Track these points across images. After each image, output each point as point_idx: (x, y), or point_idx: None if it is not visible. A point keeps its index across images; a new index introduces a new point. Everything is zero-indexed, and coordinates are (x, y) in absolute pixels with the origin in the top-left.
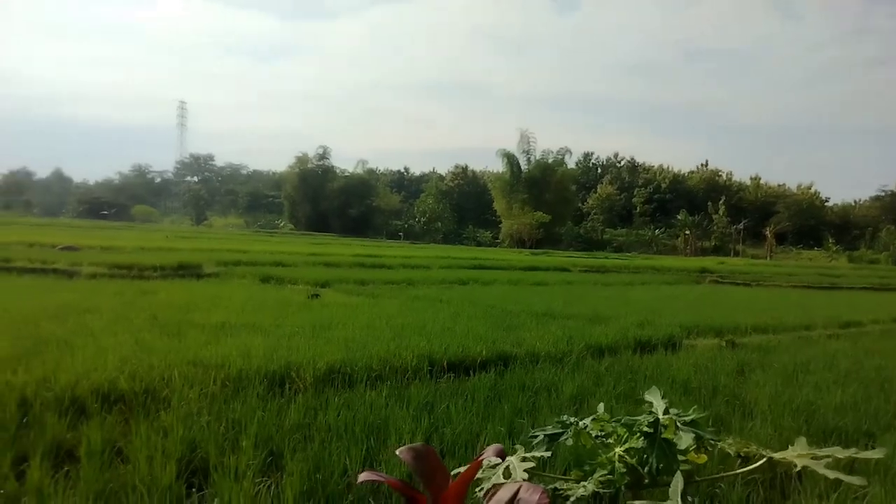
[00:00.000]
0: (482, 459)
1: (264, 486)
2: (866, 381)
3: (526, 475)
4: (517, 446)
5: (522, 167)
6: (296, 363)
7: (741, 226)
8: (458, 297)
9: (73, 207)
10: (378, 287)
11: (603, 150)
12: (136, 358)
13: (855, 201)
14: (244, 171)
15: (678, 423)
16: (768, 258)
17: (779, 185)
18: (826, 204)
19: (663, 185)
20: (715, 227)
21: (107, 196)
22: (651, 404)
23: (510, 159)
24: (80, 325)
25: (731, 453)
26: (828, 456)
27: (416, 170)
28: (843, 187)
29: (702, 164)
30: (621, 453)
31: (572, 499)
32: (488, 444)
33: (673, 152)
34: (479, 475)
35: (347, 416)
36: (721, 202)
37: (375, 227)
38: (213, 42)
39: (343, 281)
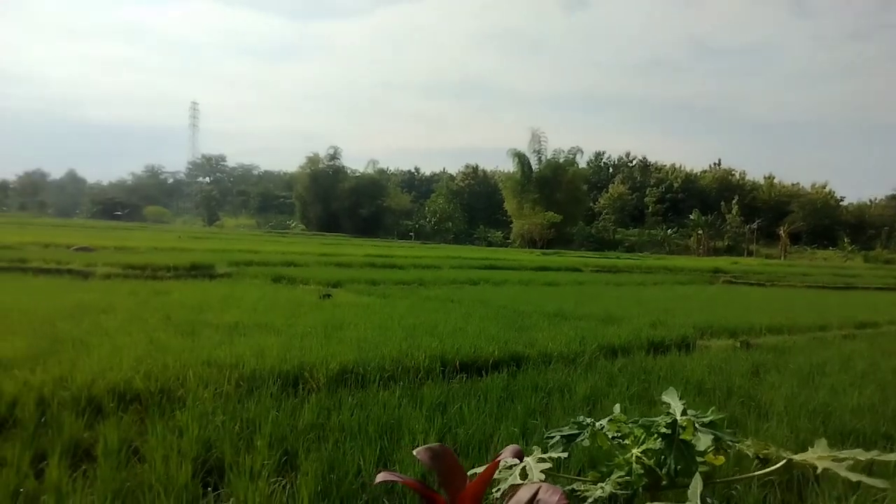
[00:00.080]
0: (500, 460)
1: (279, 485)
2: (883, 382)
3: (543, 476)
4: (534, 447)
5: (533, 167)
6: (309, 363)
7: (755, 225)
8: (470, 298)
9: (86, 208)
10: (389, 287)
11: (614, 150)
12: (151, 357)
13: (870, 200)
14: (255, 172)
15: (696, 425)
16: (782, 258)
17: (793, 185)
18: (841, 203)
19: (675, 185)
20: (728, 227)
21: (120, 197)
22: (668, 405)
23: (521, 159)
24: (95, 324)
25: (750, 455)
26: (849, 458)
27: (427, 170)
28: (859, 186)
29: (714, 164)
30: (639, 454)
31: (590, 500)
32: (502, 445)
33: (685, 151)
34: (495, 476)
35: (361, 416)
36: (734, 202)
37: (386, 227)
38: (226, 43)
39: (354, 281)
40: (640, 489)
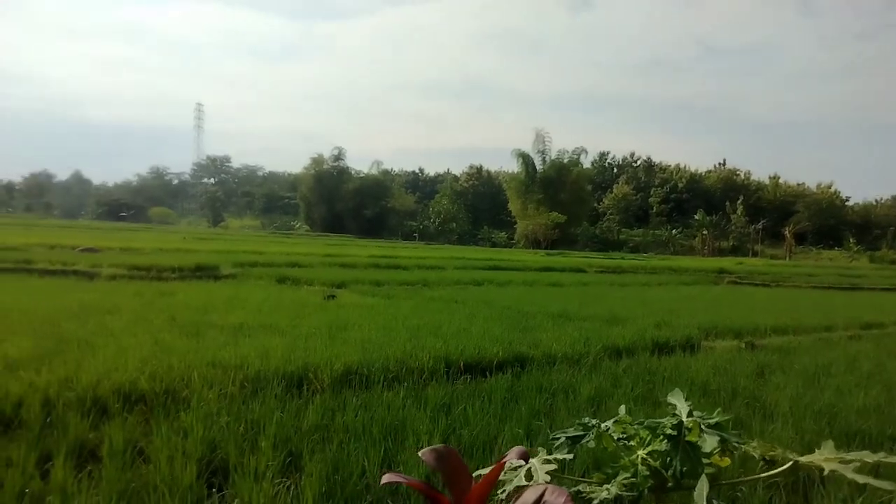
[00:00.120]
0: (505, 461)
1: (284, 486)
2: (889, 383)
3: (548, 477)
4: (539, 448)
5: (537, 167)
6: (313, 364)
7: (760, 226)
8: (474, 298)
9: (92, 209)
10: (393, 288)
11: (619, 150)
12: (156, 358)
13: (876, 200)
14: (260, 173)
15: (702, 426)
16: (787, 258)
17: (798, 185)
18: (846, 203)
19: (680, 185)
20: (733, 227)
21: (125, 198)
22: (674, 406)
23: (525, 159)
24: (100, 325)
25: (756, 456)
26: (856, 460)
27: (431, 170)
28: (864, 186)
29: (719, 164)
30: (644, 456)
31: (595, 502)
32: (506, 446)
33: (690, 151)
34: (500, 477)
35: (365, 417)
36: (739, 202)
37: (390, 227)
38: (228, 43)
39: (359, 282)
40: (646, 491)
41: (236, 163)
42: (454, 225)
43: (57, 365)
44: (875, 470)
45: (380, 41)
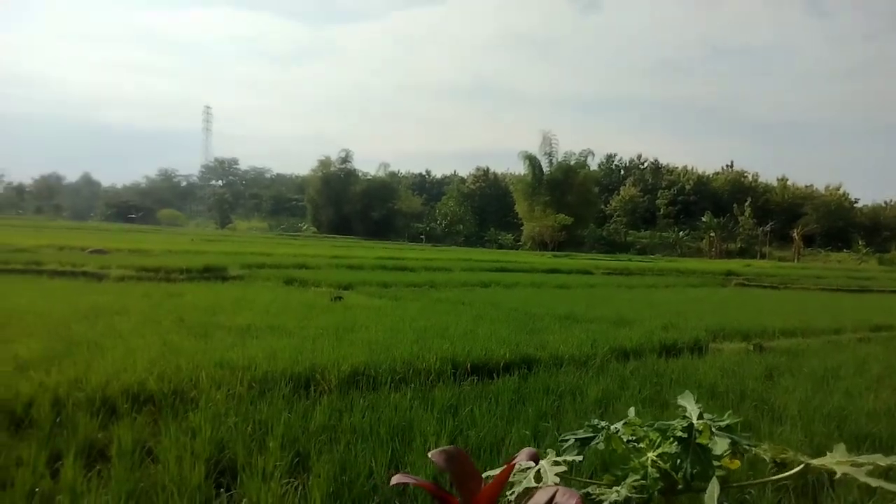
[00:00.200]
0: (515, 463)
1: (291, 486)
2: None
3: (557, 479)
4: (548, 450)
5: (544, 169)
6: (320, 365)
7: (768, 228)
8: (481, 300)
9: (101, 211)
10: (400, 289)
11: (626, 152)
12: (165, 359)
13: (885, 202)
14: (268, 175)
15: (713, 429)
16: (795, 260)
17: (806, 186)
18: (855, 205)
19: (687, 187)
20: (741, 229)
21: (134, 200)
22: (684, 409)
23: (532, 161)
24: (109, 326)
25: (767, 459)
26: (868, 463)
27: (438, 172)
28: (874, 188)
29: (727, 165)
30: (654, 458)
31: None
32: (513, 448)
33: (697, 153)
34: (509, 478)
35: (372, 418)
36: (747, 204)
37: (397, 229)
38: (239, 47)
39: (366, 283)
40: (656, 493)
41: (244, 165)
42: (461, 227)
43: (67, 365)
44: (885, 473)
45: (388, 44)
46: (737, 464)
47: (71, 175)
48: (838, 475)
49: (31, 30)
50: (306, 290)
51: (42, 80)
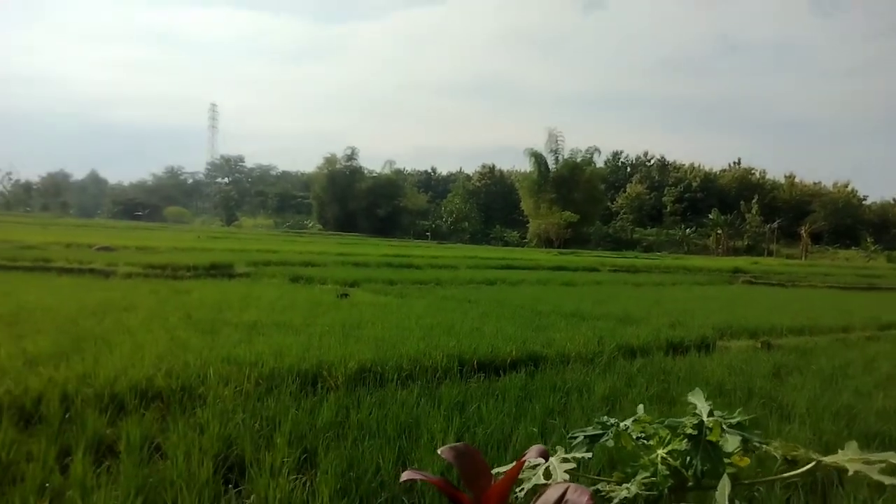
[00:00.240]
0: (525, 460)
1: (299, 482)
2: None
3: (567, 476)
4: (557, 447)
5: (550, 166)
6: (327, 362)
7: (775, 225)
8: (487, 298)
9: (108, 208)
10: (406, 287)
11: (632, 149)
12: (172, 355)
13: (894, 199)
14: (273, 172)
15: (723, 426)
16: (803, 258)
17: (814, 184)
18: (863, 202)
19: (694, 184)
20: (748, 227)
21: (140, 197)
22: (694, 406)
23: (538, 158)
24: (117, 323)
25: (778, 457)
26: (881, 461)
27: (443, 170)
28: (882, 185)
29: (734, 163)
30: (664, 455)
31: (615, 501)
32: (520, 445)
33: (704, 150)
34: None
35: (379, 415)
36: (754, 201)
37: (403, 227)
38: (244, 45)
39: (372, 281)
40: (666, 490)
41: (250, 162)
42: (466, 224)
43: (75, 361)
44: (893, 471)
45: (393, 42)
46: (746, 461)
47: (78, 173)
48: (850, 473)
49: (39, 30)
50: (312, 288)
51: (49, 80)
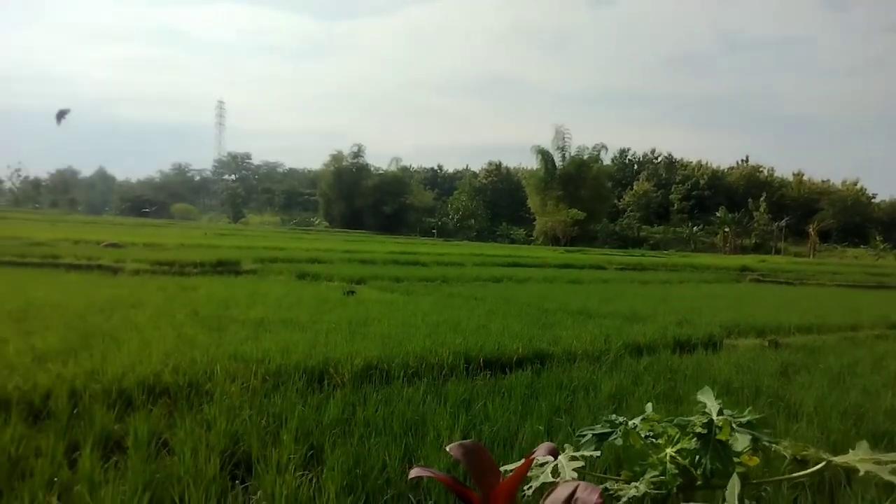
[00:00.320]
0: (534, 457)
1: (306, 479)
2: None
3: (575, 474)
4: (565, 445)
5: (557, 164)
6: (334, 359)
7: (783, 223)
8: (493, 295)
9: (115, 205)
10: (413, 284)
11: (639, 147)
12: (179, 352)
13: None
14: (280, 170)
15: (733, 425)
16: (811, 256)
17: (823, 182)
18: (873, 200)
19: (702, 182)
20: (756, 225)
21: (148, 194)
22: (703, 404)
23: (544, 156)
24: (125, 319)
25: (787, 456)
26: (892, 461)
27: (450, 167)
28: (891, 183)
29: (742, 160)
30: (673, 454)
31: (624, 499)
32: (527, 442)
33: (712, 148)
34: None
35: (385, 413)
36: (762, 199)
37: (409, 224)
38: (252, 43)
39: (378, 278)
40: (675, 489)
41: (257, 160)
42: (473, 221)
43: (83, 357)
44: None
45: (401, 39)
46: (756, 461)
47: (86, 169)
48: (861, 473)
49: (46, 29)
50: (319, 285)
51: (56, 78)
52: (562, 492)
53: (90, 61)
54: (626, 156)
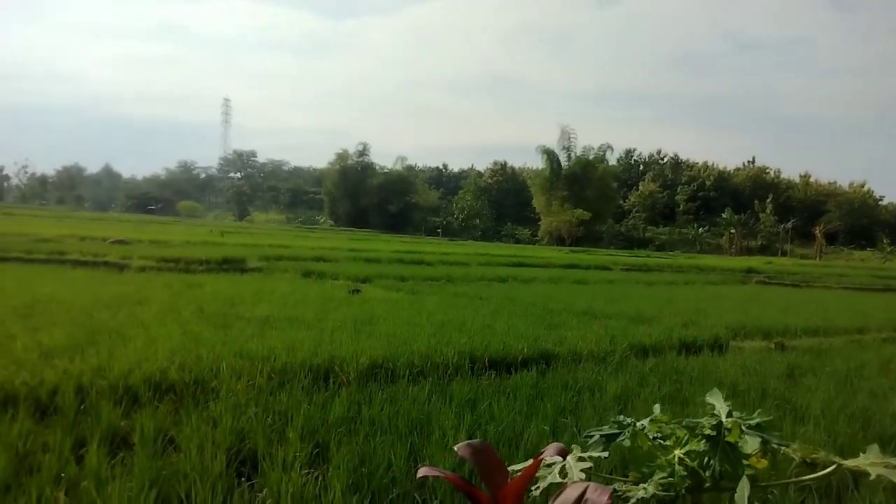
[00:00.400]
0: (542, 458)
1: (311, 477)
2: None
3: (583, 475)
4: (573, 446)
5: (563, 164)
6: (339, 357)
7: (789, 225)
8: (498, 295)
9: (121, 202)
10: (418, 283)
11: (645, 147)
12: (185, 349)
13: None
14: (285, 168)
15: (743, 427)
16: (818, 258)
17: (829, 183)
18: (880, 202)
19: (708, 183)
20: (762, 226)
21: (154, 191)
22: (712, 406)
23: (550, 156)
24: (131, 316)
25: (797, 459)
26: None
27: (455, 166)
28: None
29: (748, 161)
30: (681, 456)
31: (632, 501)
32: (532, 443)
33: (718, 149)
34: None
35: (391, 411)
36: (768, 200)
37: (414, 223)
38: (258, 41)
39: (383, 277)
40: (683, 491)
41: (262, 157)
42: (478, 221)
43: (90, 354)
44: None
45: (406, 38)
46: (764, 463)
47: (92, 166)
48: (873, 477)
49: (52, 28)
50: (324, 283)
51: (63, 76)
52: (572, 492)
53: (96, 59)
54: (632, 156)
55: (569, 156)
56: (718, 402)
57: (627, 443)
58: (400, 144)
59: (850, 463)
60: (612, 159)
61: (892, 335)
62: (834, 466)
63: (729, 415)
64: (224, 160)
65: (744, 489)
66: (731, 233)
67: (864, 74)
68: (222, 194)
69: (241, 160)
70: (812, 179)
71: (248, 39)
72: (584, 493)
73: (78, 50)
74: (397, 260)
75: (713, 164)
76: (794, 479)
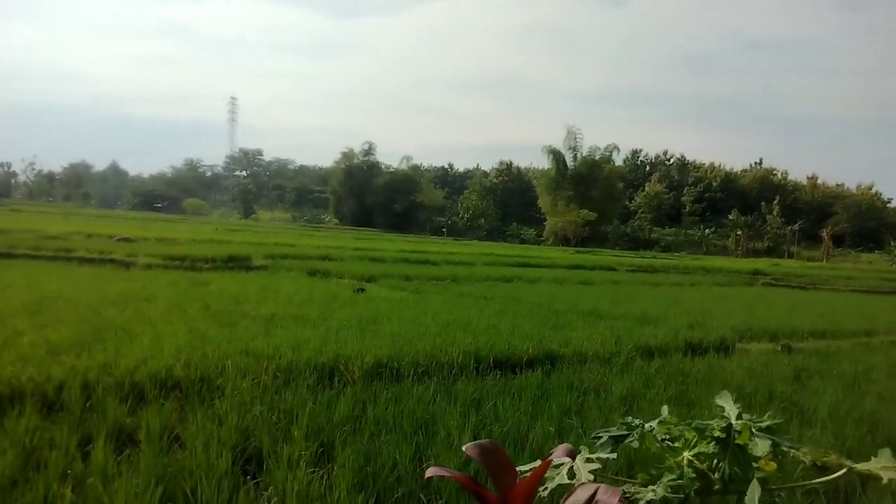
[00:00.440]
0: (552, 459)
1: (317, 476)
2: None
3: (591, 476)
4: (581, 447)
5: (568, 164)
6: (344, 356)
7: (796, 227)
8: (503, 295)
9: (128, 199)
10: (423, 283)
11: (652, 148)
12: (191, 346)
13: None
14: (291, 167)
15: (753, 429)
16: (825, 261)
17: (837, 185)
18: (888, 205)
19: (714, 184)
20: (768, 228)
21: (160, 189)
22: (722, 408)
23: (556, 156)
24: (137, 313)
25: (807, 462)
26: None
27: (461, 166)
28: None
29: (755, 163)
30: (691, 458)
31: (641, 502)
32: (537, 443)
33: (725, 150)
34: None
35: (396, 411)
36: (775, 202)
37: (419, 222)
38: (265, 40)
39: (388, 276)
40: (692, 493)
41: (268, 156)
42: (483, 221)
43: (96, 351)
44: None
45: (412, 37)
46: (773, 466)
47: (99, 164)
48: (885, 481)
49: (60, 26)
50: (329, 282)
51: (70, 74)
52: (582, 494)
53: (102, 57)
54: (638, 157)
55: (575, 156)
56: (728, 405)
57: (636, 444)
58: (405, 144)
59: (861, 466)
60: (619, 160)
61: None
62: (845, 470)
63: (739, 417)
64: (230, 158)
65: (754, 492)
66: (737, 234)
67: (869, 75)
68: (228, 192)
69: (247, 159)
70: (819, 181)
71: (255, 39)
72: (594, 494)
73: (78, 50)
74: (402, 259)
75: (720, 166)
76: (804, 483)
